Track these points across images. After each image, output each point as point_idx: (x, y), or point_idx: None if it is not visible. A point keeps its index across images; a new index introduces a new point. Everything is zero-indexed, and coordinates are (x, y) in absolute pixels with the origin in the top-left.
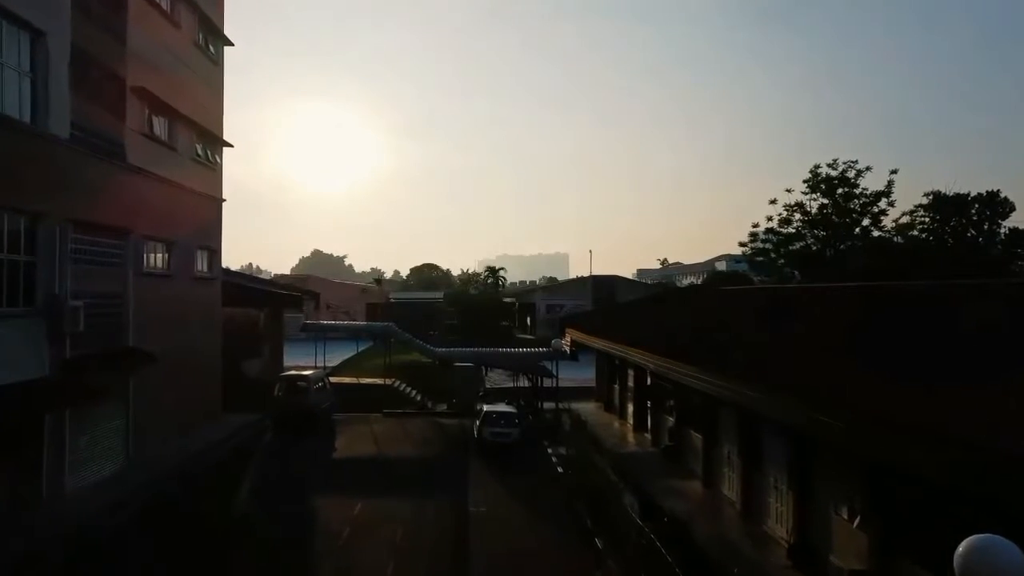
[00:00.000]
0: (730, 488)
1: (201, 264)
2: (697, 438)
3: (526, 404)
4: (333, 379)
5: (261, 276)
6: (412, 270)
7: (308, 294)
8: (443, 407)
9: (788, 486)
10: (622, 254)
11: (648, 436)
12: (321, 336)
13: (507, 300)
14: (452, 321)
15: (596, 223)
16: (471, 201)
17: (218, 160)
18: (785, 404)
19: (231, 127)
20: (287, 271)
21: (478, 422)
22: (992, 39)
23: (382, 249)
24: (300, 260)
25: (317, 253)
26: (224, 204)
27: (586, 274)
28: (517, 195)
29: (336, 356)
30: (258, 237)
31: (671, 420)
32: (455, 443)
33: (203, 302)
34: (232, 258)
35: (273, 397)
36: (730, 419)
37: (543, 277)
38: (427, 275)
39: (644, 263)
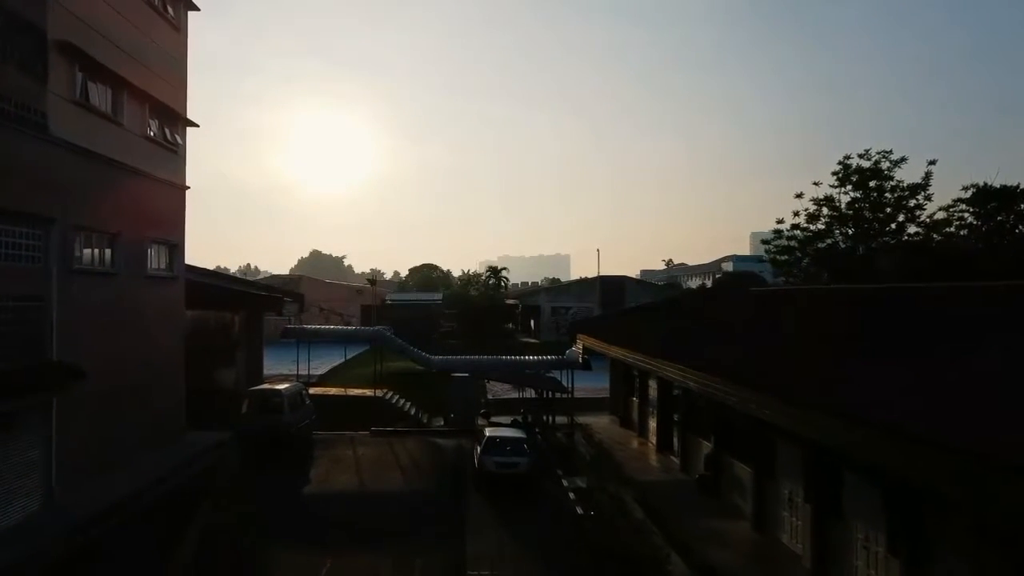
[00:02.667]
0: (793, 537)
1: (157, 261)
2: (743, 470)
3: (534, 420)
4: (316, 390)
5: (248, 276)
6: (411, 270)
7: (291, 295)
8: (440, 422)
9: (886, 548)
10: (624, 255)
11: (675, 460)
12: (308, 341)
13: (510, 302)
14: (451, 324)
15: (597, 224)
16: (471, 202)
17: (180, 141)
18: (899, 447)
19: (231, 127)
20: (286, 272)
21: (479, 448)
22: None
23: (382, 250)
24: (299, 261)
25: (316, 254)
26: (222, 204)
27: (588, 275)
28: (517, 196)
29: (325, 362)
30: (258, 238)
31: (707, 445)
32: (452, 472)
33: (160, 305)
34: (231, 259)
35: (240, 416)
36: (793, 453)
37: (545, 278)
38: (426, 276)
39: (646, 264)
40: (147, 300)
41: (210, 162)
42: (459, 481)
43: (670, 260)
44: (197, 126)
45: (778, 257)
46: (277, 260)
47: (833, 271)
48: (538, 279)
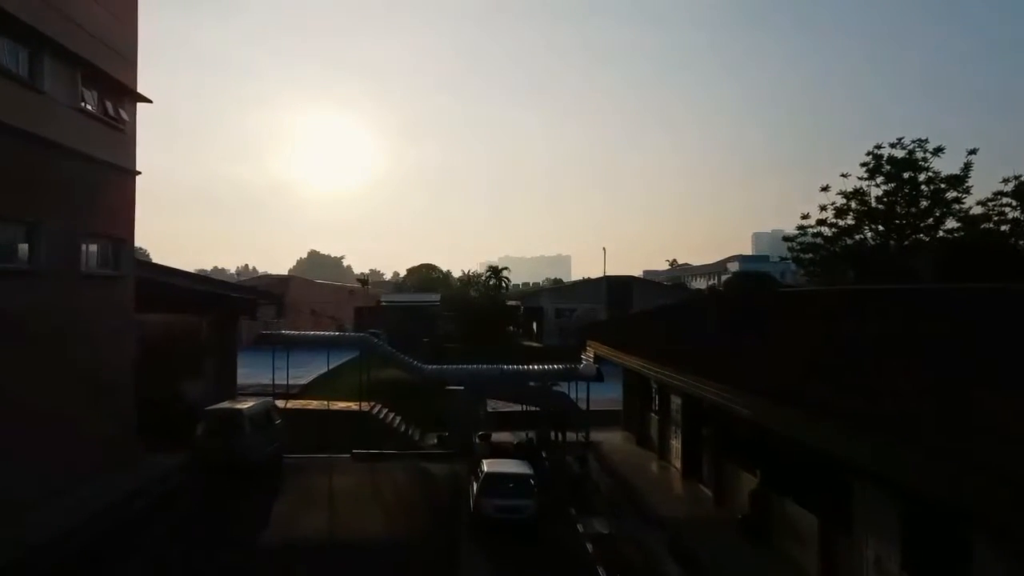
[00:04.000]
0: None
1: (97, 257)
2: (805, 517)
3: (540, 440)
4: (295, 404)
5: (243, 277)
6: (409, 271)
7: (268, 297)
8: (434, 439)
9: None
10: (626, 256)
11: (706, 491)
12: (287, 348)
13: (511, 303)
14: (450, 326)
15: (598, 225)
16: (472, 203)
17: (125, 117)
18: None
19: (232, 127)
20: (284, 272)
21: (475, 485)
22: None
23: (382, 251)
24: (298, 261)
25: (314, 254)
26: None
27: (590, 275)
28: (518, 197)
29: (311, 370)
30: (257, 238)
31: (750, 478)
32: (444, 512)
33: (101, 310)
34: (230, 259)
35: (194, 440)
36: (883, 504)
37: (546, 279)
38: (425, 276)
39: (649, 265)
40: (83, 304)
41: (210, 163)
42: (452, 525)
43: (674, 260)
44: (150, 102)
45: (802, 255)
46: (276, 260)
47: (862, 270)
48: (539, 280)
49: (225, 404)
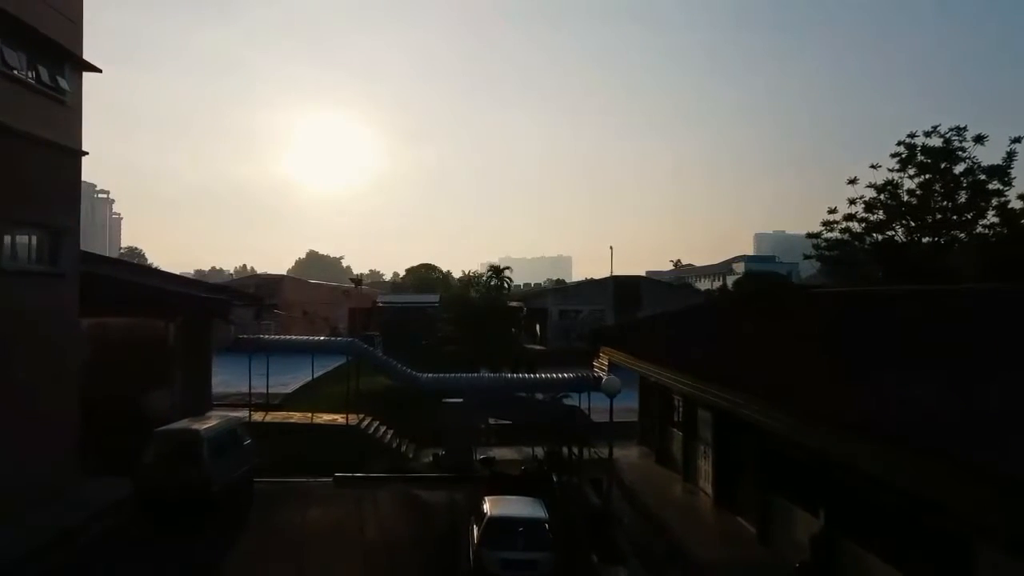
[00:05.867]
0: None
1: (29, 251)
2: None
3: (549, 459)
4: (276, 417)
5: (238, 277)
6: (408, 271)
7: (247, 298)
8: (429, 456)
9: None
10: (629, 256)
11: (745, 524)
12: (267, 354)
13: (513, 304)
14: (449, 328)
15: (598, 225)
16: (471, 204)
17: (66, 87)
18: None
19: (230, 129)
20: (283, 273)
21: (476, 531)
22: None
23: (382, 251)
24: (296, 262)
25: (313, 254)
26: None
27: (591, 276)
28: (518, 198)
29: (297, 377)
30: (257, 239)
31: (814, 521)
32: (438, 560)
33: (33, 312)
34: (229, 260)
35: (138, 468)
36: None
37: (548, 279)
38: (423, 276)
39: (652, 265)
40: (5, 307)
41: (209, 163)
42: None
43: (678, 261)
44: (99, 71)
45: (826, 253)
46: (276, 261)
47: (892, 269)
48: (540, 280)
49: (181, 423)
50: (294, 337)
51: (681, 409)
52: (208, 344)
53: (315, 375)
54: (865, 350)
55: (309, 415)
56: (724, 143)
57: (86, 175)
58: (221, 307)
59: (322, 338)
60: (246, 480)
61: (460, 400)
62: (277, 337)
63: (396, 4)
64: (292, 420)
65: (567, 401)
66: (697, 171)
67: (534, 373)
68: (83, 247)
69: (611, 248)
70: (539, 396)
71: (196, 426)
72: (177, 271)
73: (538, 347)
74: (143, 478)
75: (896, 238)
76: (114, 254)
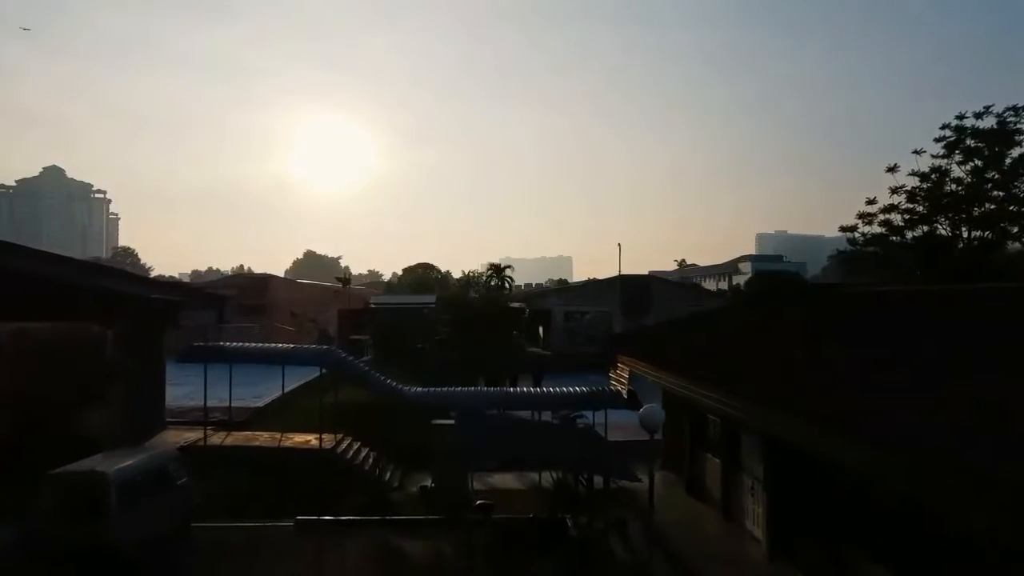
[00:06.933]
0: None
1: None
2: None
3: (559, 497)
4: (237, 439)
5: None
6: (405, 270)
7: (209, 299)
8: (416, 487)
9: None
10: (631, 257)
11: None
12: (230, 363)
13: (514, 305)
14: (446, 330)
15: (599, 226)
16: (472, 204)
17: None
18: None
19: (233, 127)
20: (281, 273)
21: None
22: None
23: (380, 252)
24: (294, 262)
25: (310, 254)
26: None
27: (591, 276)
28: (518, 198)
29: (273, 388)
30: (256, 239)
31: None
32: None
33: None
34: (227, 260)
35: (31, 516)
36: None
37: (549, 279)
38: (421, 276)
39: (655, 265)
40: None
41: (209, 164)
42: None
43: (682, 260)
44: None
45: (864, 249)
46: (274, 261)
47: (935, 267)
48: (541, 281)
49: (86, 463)
50: (258, 345)
51: (719, 432)
52: (160, 352)
53: (293, 385)
54: (975, 367)
55: (278, 436)
56: (724, 143)
57: (84, 175)
58: (170, 308)
59: (293, 346)
60: (180, 528)
61: (452, 421)
62: (239, 344)
63: (396, 4)
64: (256, 443)
65: (580, 422)
66: (697, 171)
67: (542, 383)
68: (82, 247)
69: (619, 245)
70: (551, 416)
71: (104, 466)
72: (175, 272)
73: (542, 352)
74: (34, 530)
75: (940, 232)
76: (107, 254)
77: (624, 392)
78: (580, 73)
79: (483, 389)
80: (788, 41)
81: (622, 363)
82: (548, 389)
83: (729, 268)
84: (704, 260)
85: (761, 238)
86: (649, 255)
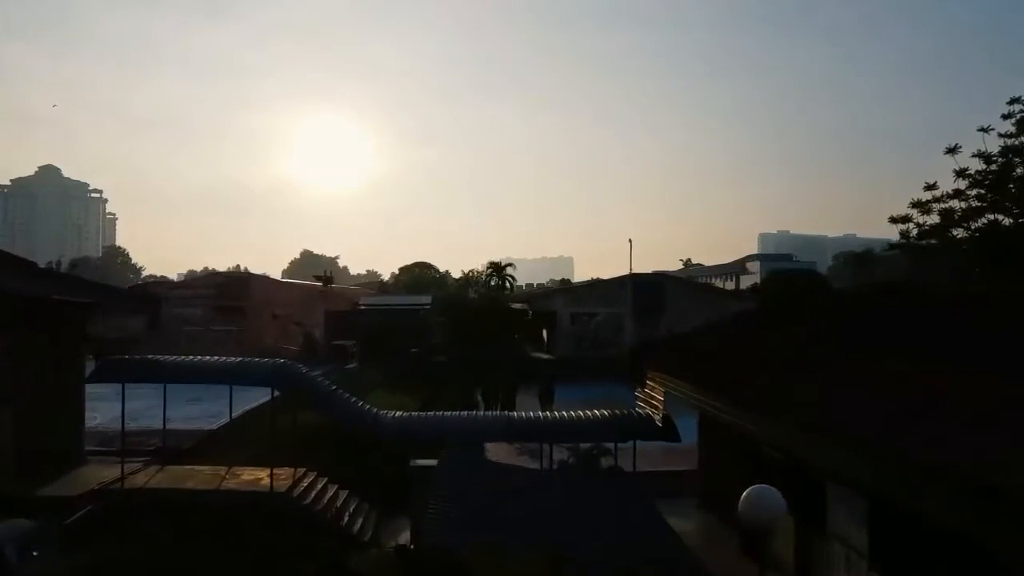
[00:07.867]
0: None
1: None
2: None
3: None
4: (167, 479)
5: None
6: (401, 269)
7: (135, 300)
8: (393, 542)
9: None
10: (633, 256)
11: None
12: (164, 384)
13: (517, 306)
14: (442, 333)
15: (599, 226)
16: (472, 204)
17: None
18: None
19: (232, 127)
20: (278, 273)
21: None
22: None
23: (380, 252)
24: (290, 262)
25: (307, 254)
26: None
27: (592, 276)
28: (518, 198)
29: (236, 402)
30: (255, 240)
31: None
32: None
33: None
34: (227, 260)
35: None
36: None
37: (551, 280)
38: (417, 276)
39: (658, 265)
40: None
41: (209, 163)
42: None
43: (688, 260)
44: None
45: (920, 243)
46: (272, 261)
47: (999, 263)
48: (543, 281)
49: None
50: (191, 359)
51: (776, 472)
52: (77, 366)
53: (256, 402)
54: None
55: (222, 472)
56: (725, 143)
57: (82, 175)
58: (79, 312)
59: (238, 359)
60: None
61: (435, 462)
62: (166, 358)
63: (396, 4)
64: (189, 485)
65: (604, 461)
66: (697, 171)
67: (553, 400)
68: (77, 246)
69: (630, 241)
70: (568, 456)
71: None
72: (171, 272)
73: (547, 356)
74: None
75: (1005, 222)
76: (100, 254)
77: (658, 418)
78: (580, 73)
79: (478, 414)
80: (788, 40)
81: (654, 380)
82: (561, 414)
83: (736, 267)
84: (708, 259)
85: (764, 238)
86: (652, 255)
